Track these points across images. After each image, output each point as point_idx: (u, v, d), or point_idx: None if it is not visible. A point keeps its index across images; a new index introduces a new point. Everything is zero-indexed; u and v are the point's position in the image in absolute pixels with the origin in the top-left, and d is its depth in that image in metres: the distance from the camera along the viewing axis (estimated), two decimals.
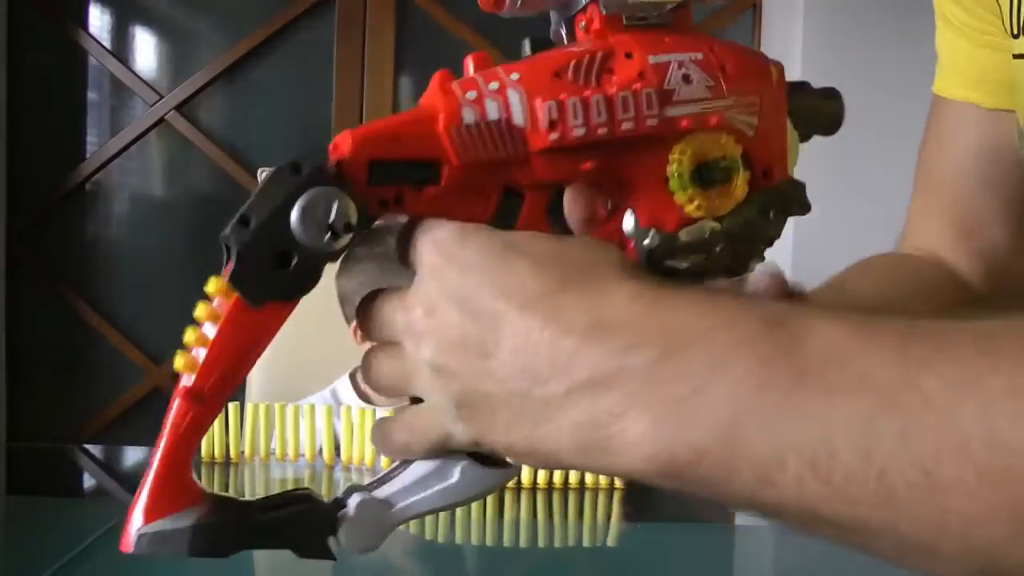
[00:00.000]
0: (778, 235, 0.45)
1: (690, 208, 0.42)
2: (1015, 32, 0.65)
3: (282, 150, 2.56)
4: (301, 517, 0.40)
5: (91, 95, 2.63)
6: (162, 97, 2.57)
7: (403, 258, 0.41)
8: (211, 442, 1.14)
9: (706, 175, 0.42)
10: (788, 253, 2.36)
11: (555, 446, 0.37)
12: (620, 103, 0.40)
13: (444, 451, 0.42)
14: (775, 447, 0.33)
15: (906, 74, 0.74)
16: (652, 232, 0.42)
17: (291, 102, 2.62)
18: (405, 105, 2.58)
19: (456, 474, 0.42)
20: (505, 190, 0.41)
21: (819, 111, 0.46)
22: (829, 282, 0.69)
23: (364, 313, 0.42)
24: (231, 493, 0.41)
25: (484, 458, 0.42)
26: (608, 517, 1.05)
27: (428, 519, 0.99)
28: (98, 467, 1.33)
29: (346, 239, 0.39)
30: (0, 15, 2.52)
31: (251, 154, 2.57)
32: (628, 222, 0.42)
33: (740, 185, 0.42)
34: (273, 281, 0.38)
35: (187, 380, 0.39)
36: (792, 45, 2.39)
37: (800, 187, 0.45)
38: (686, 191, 0.42)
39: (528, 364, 0.37)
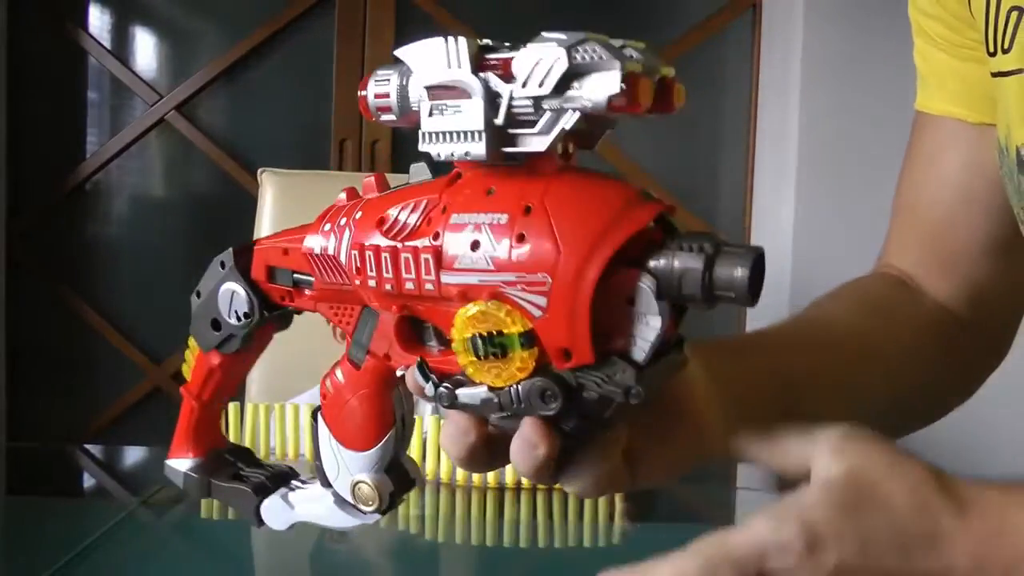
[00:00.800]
0: (603, 421, 0.42)
1: (469, 372, 0.41)
2: (991, 50, 0.64)
3: (282, 150, 2.56)
4: (245, 493, 0.52)
5: (91, 95, 2.64)
6: (162, 97, 2.57)
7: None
8: None
9: (480, 346, 0.40)
10: (788, 256, 2.36)
11: None
12: (403, 263, 0.42)
13: None
14: None
15: (906, 74, 0.74)
16: (430, 384, 0.43)
17: (291, 102, 2.62)
18: None
19: (328, 501, 0.50)
20: (365, 304, 0.46)
21: (710, 276, 0.38)
22: (809, 306, 0.69)
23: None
24: None
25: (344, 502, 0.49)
26: (609, 517, 1.05)
27: (429, 518, 1.02)
28: (98, 467, 1.32)
29: (244, 322, 0.50)
30: (0, 15, 2.53)
31: (251, 154, 2.57)
32: (418, 367, 0.44)
33: (517, 363, 0.40)
34: (211, 337, 0.52)
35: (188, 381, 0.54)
36: (792, 45, 2.39)
37: (625, 376, 0.40)
38: (464, 355, 0.41)
39: None
